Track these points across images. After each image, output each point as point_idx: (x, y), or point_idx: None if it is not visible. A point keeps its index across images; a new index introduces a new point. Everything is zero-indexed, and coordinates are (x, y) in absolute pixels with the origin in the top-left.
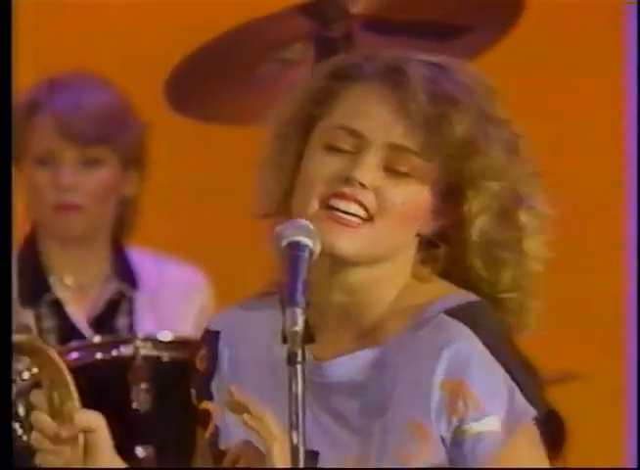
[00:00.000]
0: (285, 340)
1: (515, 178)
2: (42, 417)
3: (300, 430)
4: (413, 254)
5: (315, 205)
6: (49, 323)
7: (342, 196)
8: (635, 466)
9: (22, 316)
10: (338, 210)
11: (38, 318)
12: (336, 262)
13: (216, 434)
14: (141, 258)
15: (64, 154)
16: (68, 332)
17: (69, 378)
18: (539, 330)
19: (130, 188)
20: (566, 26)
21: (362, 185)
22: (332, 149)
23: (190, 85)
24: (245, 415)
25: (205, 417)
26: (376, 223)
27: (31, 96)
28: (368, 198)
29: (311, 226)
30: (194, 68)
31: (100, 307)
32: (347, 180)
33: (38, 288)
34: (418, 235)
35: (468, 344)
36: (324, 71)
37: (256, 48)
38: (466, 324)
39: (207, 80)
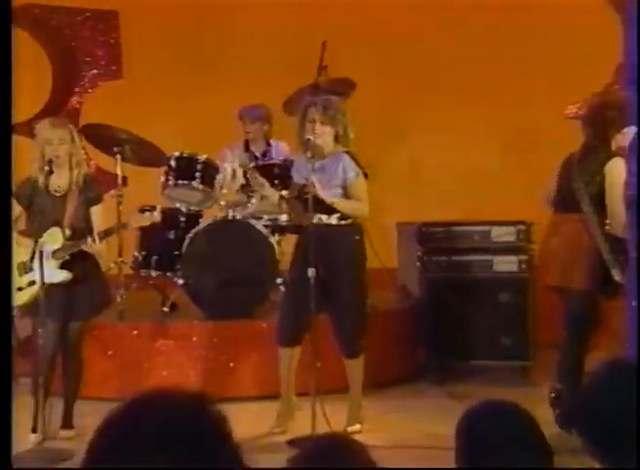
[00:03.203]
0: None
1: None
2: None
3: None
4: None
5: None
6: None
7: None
8: (635, 466)
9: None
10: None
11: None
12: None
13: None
14: (275, 143)
15: (248, 124)
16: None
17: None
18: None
19: (267, 127)
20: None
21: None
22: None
23: None
24: None
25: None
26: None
27: (239, 111)
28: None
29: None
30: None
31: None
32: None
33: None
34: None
35: (351, 160)
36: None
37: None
38: (348, 155)
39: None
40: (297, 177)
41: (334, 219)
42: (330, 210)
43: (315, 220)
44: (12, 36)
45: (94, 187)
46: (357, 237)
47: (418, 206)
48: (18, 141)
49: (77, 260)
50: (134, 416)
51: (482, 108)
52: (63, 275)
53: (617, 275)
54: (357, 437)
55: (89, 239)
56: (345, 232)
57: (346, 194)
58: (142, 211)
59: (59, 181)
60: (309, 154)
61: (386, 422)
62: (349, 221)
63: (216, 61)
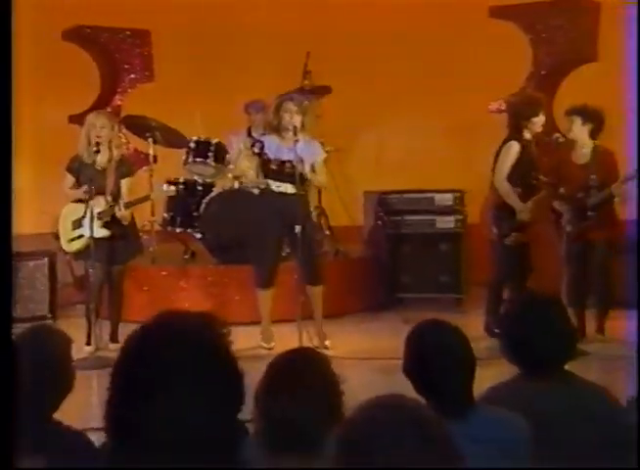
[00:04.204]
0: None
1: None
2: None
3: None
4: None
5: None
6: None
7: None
8: (635, 466)
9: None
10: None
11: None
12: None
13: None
14: None
15: (253, 114)
16: None
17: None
18: None
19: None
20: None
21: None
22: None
23: None
24: None
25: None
26: None
27: (246, 105)
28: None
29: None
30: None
31: None
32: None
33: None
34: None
35: (319, 145)
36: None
37: None
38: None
39: None
40: (274, 154)
41: (292, 188)
42: (293, 181)
43: (283, 189)
44: (11, 36)
45: (127, 164)
46: (309, 201)
47: (380, 178)
48: (74, 128)
49: (117, 219)
50: (155, 328)
51: (431, 103)
52: (102, 232)
53: (494, 229)
54: (325, 350)
55: (116, 208)
56: (304, 198)
57: (313, 170)
58: (168, 183)
59: (102, 158)
60: (296, 138)
61: (349, 339)
62: (303, 191)
63: (222, 68)
